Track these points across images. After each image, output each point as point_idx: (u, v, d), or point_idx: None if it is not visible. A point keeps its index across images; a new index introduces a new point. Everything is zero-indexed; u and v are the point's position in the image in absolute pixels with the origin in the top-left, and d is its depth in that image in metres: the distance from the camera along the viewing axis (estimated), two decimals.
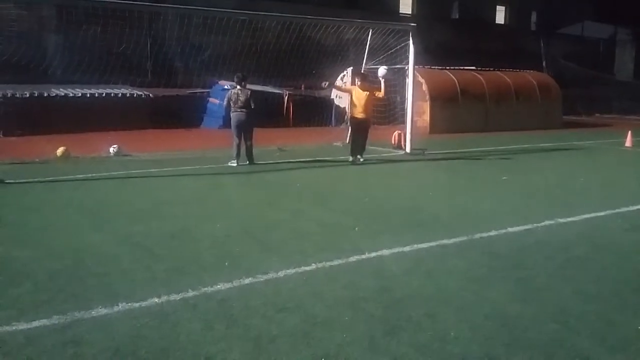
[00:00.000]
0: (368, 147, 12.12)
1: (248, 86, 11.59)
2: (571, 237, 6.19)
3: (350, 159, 11.76)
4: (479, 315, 4.06)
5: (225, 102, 11.35)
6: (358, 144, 11.89)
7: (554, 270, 5.09)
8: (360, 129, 11.82)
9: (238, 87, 11.23)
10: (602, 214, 7.34)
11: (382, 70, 11.76)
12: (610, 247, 5.87)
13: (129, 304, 4.15)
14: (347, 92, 12.82)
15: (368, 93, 11.49)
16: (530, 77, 23.43)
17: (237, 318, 3.96)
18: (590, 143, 16.81)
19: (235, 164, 11.10)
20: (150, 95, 18.63)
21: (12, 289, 4.43)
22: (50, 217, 6.90)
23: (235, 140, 11.23)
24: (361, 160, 11.79)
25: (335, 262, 5.19)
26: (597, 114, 30.85)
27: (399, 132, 14.32)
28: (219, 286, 4.53)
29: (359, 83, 11.76)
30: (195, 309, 4.09)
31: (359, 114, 11.66)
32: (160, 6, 16.40)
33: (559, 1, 40.01)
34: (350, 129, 12.58)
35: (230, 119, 11.35)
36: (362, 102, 11.53)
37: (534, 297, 4.44)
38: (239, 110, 11.12)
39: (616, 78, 41.98)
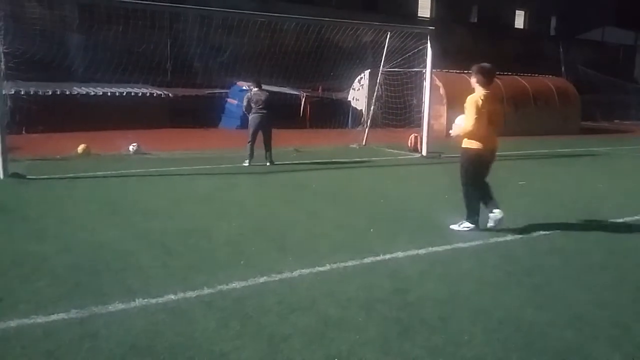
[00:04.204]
0: (385, 150, 11.86)
1: (264, 87, 11.70)
2: (588, 243, 6.13)
3: (493, 222, 6.36)
4: (494, 320, 4.04)
5: (245, 103, 11.40)
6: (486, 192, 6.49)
7: (570, 275, 5.05)
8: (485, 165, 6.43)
9: (257, 88, 11.36)
10: (620, 220, 7.26)
11: None
12: (628, 254, 5.80)
13: (146, 300, 4.20)
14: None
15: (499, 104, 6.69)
16: (549, 82, 23.22)
17: (252, 316, 3.99)
18: (609, 149, 16.59)
19: (247, 164, 11.19)
20: (170, 94, 18.84)
21: (32, 283, 4.51)
22: (70, 213, 7.01)
23: (251, 141, 11.31)
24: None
25: (350, 263, 5.20)
26: (616, 120, 30.48)
27: (416, 135, 14.29)
28: (234, 284, 4.57)
29: (481, 88, 6.20)
30: (211, 307, 4.13)
31: (494, 140, 6.35)
32: (181, 7, 16.60)
33: (579, 6, 39.61)
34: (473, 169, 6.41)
35: (248, 119, 11.45)
36: (500, 117, 6.43)
37: (550, 302, 4.41)
38: (259, 111, 11.21)
39: (636, 85, 41.38)
